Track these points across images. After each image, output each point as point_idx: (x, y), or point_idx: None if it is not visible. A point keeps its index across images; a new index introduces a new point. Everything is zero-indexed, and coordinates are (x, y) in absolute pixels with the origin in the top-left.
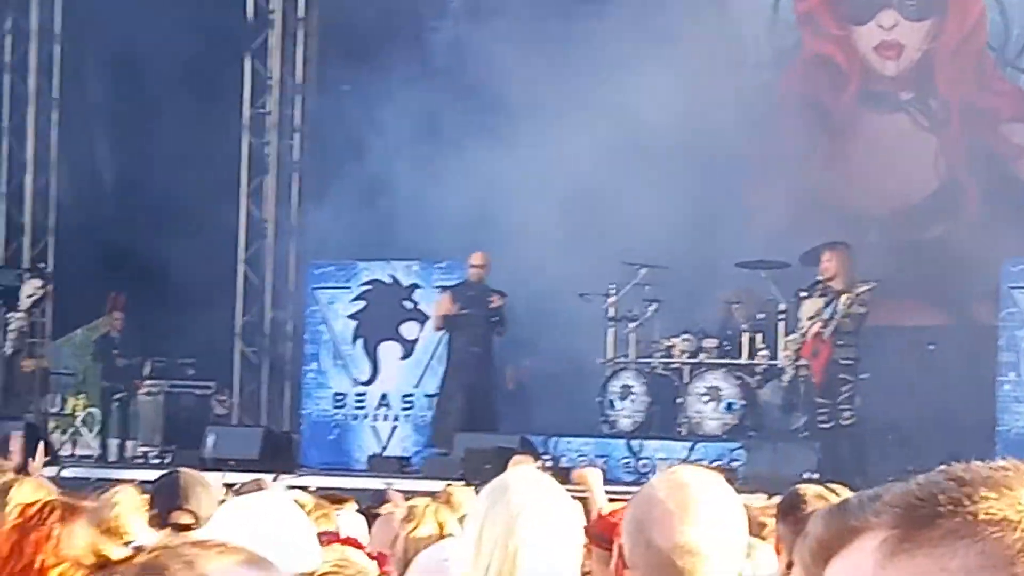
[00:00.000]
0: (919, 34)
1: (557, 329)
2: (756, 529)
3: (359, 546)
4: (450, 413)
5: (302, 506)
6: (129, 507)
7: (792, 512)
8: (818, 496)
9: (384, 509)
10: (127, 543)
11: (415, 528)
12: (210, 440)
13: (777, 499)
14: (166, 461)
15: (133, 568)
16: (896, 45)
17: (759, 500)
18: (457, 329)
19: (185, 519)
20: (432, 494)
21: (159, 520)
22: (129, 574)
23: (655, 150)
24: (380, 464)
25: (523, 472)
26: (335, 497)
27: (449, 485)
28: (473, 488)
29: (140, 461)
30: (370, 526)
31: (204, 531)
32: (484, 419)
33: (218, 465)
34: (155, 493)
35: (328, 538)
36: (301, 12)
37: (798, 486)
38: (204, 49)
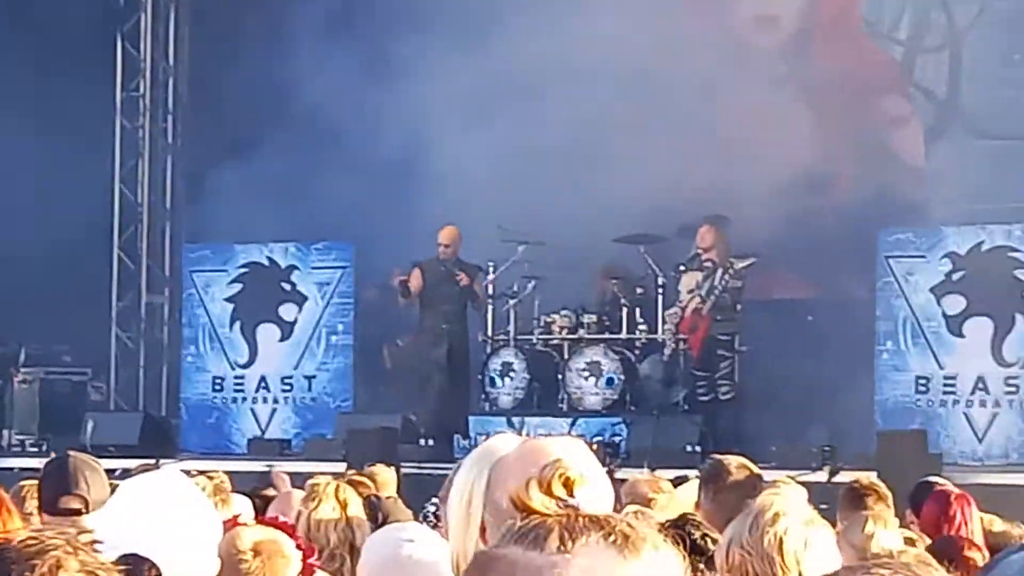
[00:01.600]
0: (796, 6)
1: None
2: (644, 503)
3: (292, 532)
4: (430, 394)
5: (201, 489)
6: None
7: (714, 480)
8: (740, 466)
9: (271, 491)
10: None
11: (316, 507)
12: (89, 426)
13: (662, 473)
14: (44, 448)
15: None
16: (773, 18)
17: (643, 474)
18: (427, 307)
19: (75, 504)
20: (336, 475)
21: (48, 505)
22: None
23: (531, 123)
24: (260, 447)
25: (509, 436)
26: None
27: (373, 464)
28: (393, 468)
29: (17, 449)
30: (256, 509)
31: (102, 513)
32: (460, 396)
33: (97, 451)
34: (44, 478)
35: (261, 520)
36: None
37: (720, 456)
38: (76, 32)
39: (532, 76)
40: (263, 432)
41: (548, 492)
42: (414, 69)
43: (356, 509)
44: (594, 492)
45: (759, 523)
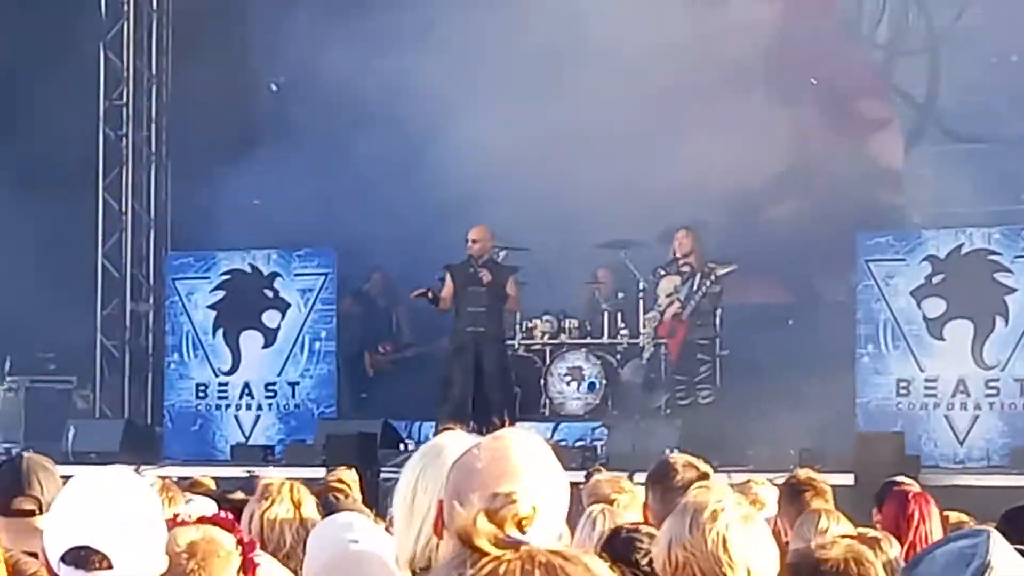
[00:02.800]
0: (773, 12)
1: (416, 312)
2: (606, 503)
3: (232, 527)
4: (452, 400)
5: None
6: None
7: (662, 481)
8: (687, 464)
9: (239, 495)
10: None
11: (270, 507)
12: (71, 433)
13: (640, 477)
14: None
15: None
16: (751, 24)
17: (602, 474)
18: (458, 312)
19: (28, 505)
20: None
21: (0, 508)
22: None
23: (513, 131)
24: (243, 453)
25: (456, 434)
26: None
27: (334, 469)
28: (354, 469)
29: (3, 457)
30: (224, 512)
31: (53, 507)
32: (490, 401)
33: (79, 459)
34: None
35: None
36: (154, 3)
37: (668, 455)
38: (60, 41)
39: (514, 82)
40: (247, 439)
41: (499, 526)
42: (404, 74)
43: (310, 510)
44: (546, 520)
45: (698, 522)
